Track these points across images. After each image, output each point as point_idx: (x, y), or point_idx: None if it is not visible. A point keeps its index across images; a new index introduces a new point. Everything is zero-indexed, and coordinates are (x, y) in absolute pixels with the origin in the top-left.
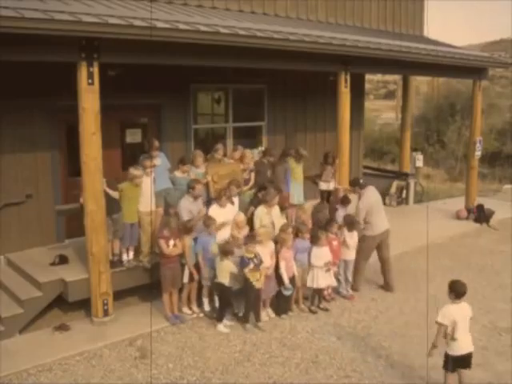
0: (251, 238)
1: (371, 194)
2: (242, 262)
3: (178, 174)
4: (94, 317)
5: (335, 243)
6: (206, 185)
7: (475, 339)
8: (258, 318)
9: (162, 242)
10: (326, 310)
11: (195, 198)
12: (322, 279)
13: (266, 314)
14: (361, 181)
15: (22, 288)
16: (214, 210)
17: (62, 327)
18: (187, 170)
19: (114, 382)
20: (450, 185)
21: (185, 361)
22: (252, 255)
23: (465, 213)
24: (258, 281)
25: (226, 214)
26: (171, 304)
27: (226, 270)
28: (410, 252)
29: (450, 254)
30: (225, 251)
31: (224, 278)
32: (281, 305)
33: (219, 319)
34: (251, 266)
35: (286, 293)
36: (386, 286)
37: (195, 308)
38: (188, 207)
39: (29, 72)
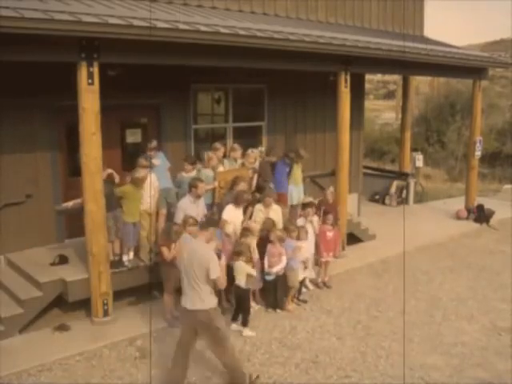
0: (246, 230)
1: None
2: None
3: (184, 173)
4: (93, 317)
5: (330, 234)
6: (213, 189)
7: (475, 339)
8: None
9: (164, 250)
10: (305, 301)
11: (197, 197)
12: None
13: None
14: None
15: (22, 288)
16: (230, 210)
17: (62, 327)
18: (191, 169)
19: (114, 382)
20: (449, 185)
21: None
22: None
23: (465, 213)
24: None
25: (239, 214)
26: (170, 306)
27: (240, 272)
28: (410, 252)
29: (449, 254)
30: (237, 252)
31: (240, 280)
32: (270, 299)
33: (234, 319)
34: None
35: (268, 278)
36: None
37: None
38: (185, 208)
39: (29, 71)
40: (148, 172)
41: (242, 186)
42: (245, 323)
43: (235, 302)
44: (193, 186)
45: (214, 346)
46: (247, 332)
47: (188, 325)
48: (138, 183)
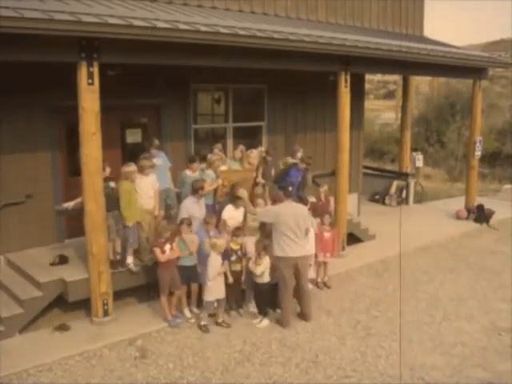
0: (239, 229)
1: (288, 208)
2: (226, 254)
3: (188, 172)
4: (93, 317)
5: (327, 234)
6: (215, 189)
7: (475, 339)
8: (239, 305)
9: (157, 251)
10: None
11: (200, 197)
12: None
13: (252, 305)
14: (289, 188)
15: (22, 288)
16: (229, 211)
17: (62, 327)
18: (197, 168)
19: (114, 382)
20: (449, 185)
21: (185, 361)
22: (237, 247)
23: (465, 213)
24: (237, 273)
25: (238, 215)
26: (170, 306)
27: (266, 267)
28: (410, 252)
29: (450, 254)
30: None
31: (265, 276)
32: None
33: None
34: (233, 257)
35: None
36: (301, 315)
37: (195, 309)
38: (188, 208)
39: (29, 71)
40: (135, 168)
41: (241, 192)
42: (265, 314)
43: (259, 297)
44: (199, 187)
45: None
46: (265, 322)
47: (290, 267)
48: (130, 177)
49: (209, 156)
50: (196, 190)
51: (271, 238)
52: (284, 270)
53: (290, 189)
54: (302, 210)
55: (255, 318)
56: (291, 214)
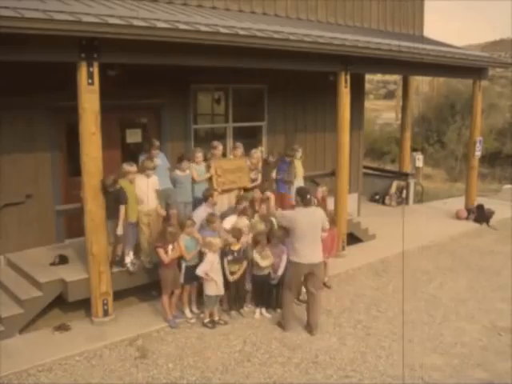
0: (238, 231)
1: (304, 215)
2: (224, 254)
3: (178, 172)
4: (93, 317)
5: (324, 234)
6: (210, 179)
7: (475, 339)
8: (241, 305)
9: (160, 252)
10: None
11: (213, 205)
12: None
13: (247, 306)
14: (308, 196)
15: (22, 288)
16: (232, 220)
17: (62, 327)
18: (186, 167)
19: (114, 382)
20: (450, 185)
21: (185, 361)
22: (237, 248)
23: (465, 213)
24: (234, 273)
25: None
26: (170, 306)
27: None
28: (410, 252)
29: (449, 254)
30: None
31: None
32: (269, 300)
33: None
34: (229, 257)
35: (273, 282)
36: (307, 326)
37: (194, 309)
38: (202, 218)
39: (29, 71)
40: (135, 168)
41: (245, 203)
42: (268, 305)
43: (257, 289)
44: (209, 195)
45: (318, 290)
46: (267, 313)
47: (301, 274)
48: (128, 176)
49: (193, 151)
50: (206, 197)
51: (278, 237)
52: (293, 276)
53: (309, 196)
54: (319, 213)
55: (255, 315)
56: (308, 221)
